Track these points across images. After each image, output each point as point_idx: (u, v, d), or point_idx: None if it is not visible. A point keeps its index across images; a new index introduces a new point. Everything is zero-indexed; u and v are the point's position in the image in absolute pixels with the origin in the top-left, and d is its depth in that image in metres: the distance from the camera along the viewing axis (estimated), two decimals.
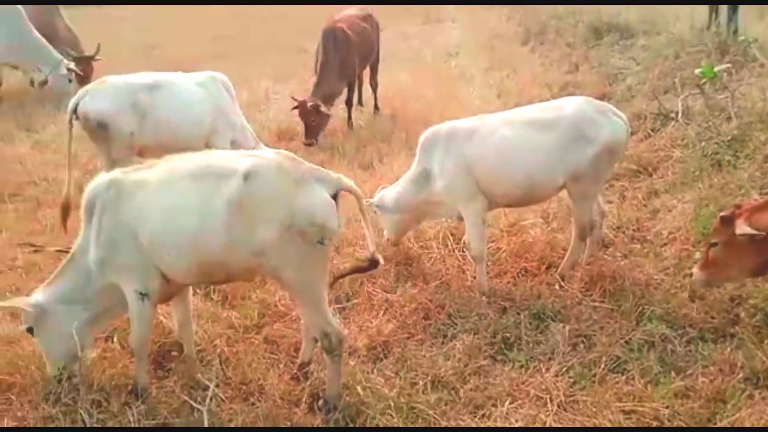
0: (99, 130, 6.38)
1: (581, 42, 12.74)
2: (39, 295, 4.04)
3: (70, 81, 10.23)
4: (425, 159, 5.27)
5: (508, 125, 5.12)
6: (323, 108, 8.64)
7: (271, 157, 3.83)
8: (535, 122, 5.09)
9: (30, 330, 4.06)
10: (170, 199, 3.76)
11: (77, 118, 6.34)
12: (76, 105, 6.32)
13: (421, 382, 4.05)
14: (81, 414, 3.70)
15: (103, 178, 4.00)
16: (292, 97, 8.90)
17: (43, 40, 10.36)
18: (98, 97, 6.36)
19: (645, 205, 6.34)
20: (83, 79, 9.90)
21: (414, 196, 5.37)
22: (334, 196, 3.72)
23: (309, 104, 8.53)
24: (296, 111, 8.79)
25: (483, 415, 3.75)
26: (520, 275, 5.30)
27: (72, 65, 10.47)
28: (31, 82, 10.39)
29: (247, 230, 3.62)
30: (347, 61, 9.26)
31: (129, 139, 6.41)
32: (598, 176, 5.16)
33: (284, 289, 4.16)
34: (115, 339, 4.55)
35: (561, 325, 4.57)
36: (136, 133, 6.39)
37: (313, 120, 8.64)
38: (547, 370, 4.11)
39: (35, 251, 5.83)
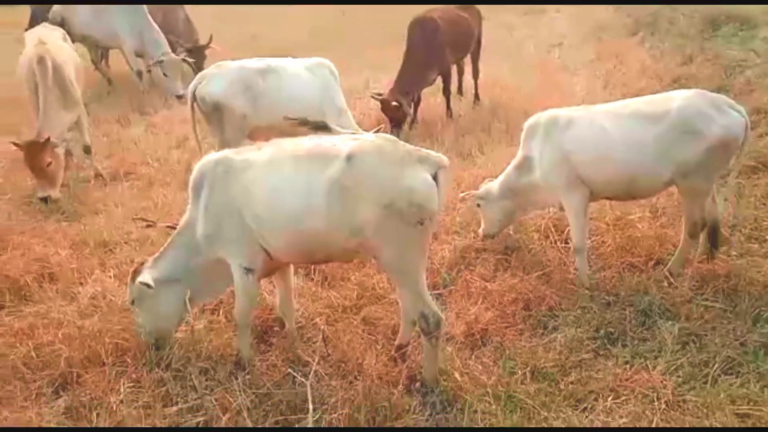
0: (214, 112, 6.76)
1: (696, 32, 12.14)
2: (146, 273, 4.20)
3: (173, 71, 10.77)
4: (527, 146, 5.26)
5: (609, 116, 4.98)
6: (404, 106, 8.62)
7: (372, 140, 3.91)
8: (639, 115, 4.90)
9: (133, 302, 4.31)
10: (275, 179, 3.87)
11: (195, 100, 6.80)
12: (195, 88, 6.78)
13: (520, 372, 4.03)
14: (191, 379, 3.91)
15: (211, 156, 4.17)
16: (373, 96, 8.91)
17: (159, 33, 11.03)
18: (214, 81, 6.79)
19: (764, 204, 6.01)
20: (198, 67, 10.49)
21: (517, 183, 5.36)
22: (435, 177, 3.72)
23: (392, 103, 8.55)
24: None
25: (584, 409, 3.68)
26: (625, 270, 5.15)
27: (184, 56, 11.06)
28: (138, 73, 11.16)
29: (348, 210, 3.70)
30: (435, 51, 9.09)
31: (242, 121, 6.74)
32: (709, 172, 4.90)
33: (383, 269, 4.21)
34: (221, 312, 4.78)
35: (670, 323, 4.42)
36: (248, 115, 6.73)
37: (395, 116, 8.68)
38: (654, 368, 3.98)
39: (148, 226, 6.16)
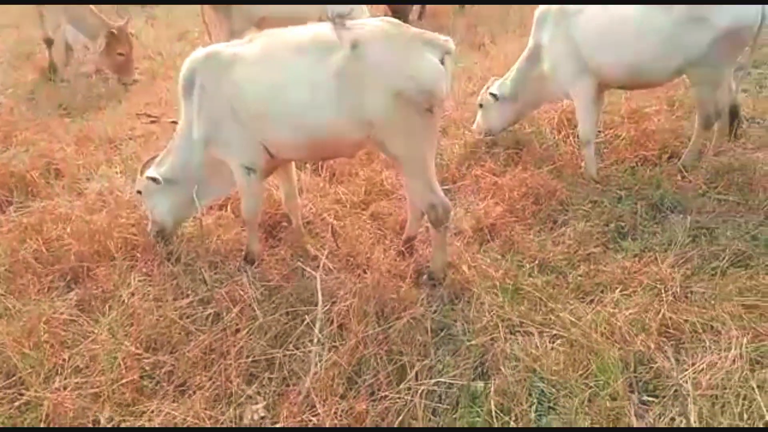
0: None
1: None
2: (153, 169, 4.24)
3: None
4: (537, 34, 5.13)
5: (618, 3, 4.76)
6: None
7: (377, 25, 3.68)
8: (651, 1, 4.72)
9: (139, 192, 4.36)
10: (272, 73, 3.70)
11: None
12: None
13: (528, 265, 4.03)
14: (201, 272, 3.94)
15: (200, 51, 3.98)
16: None
17: None
18: None
19: None
20: None
21: (529, 75, 5.24)
22: (441, 62, 3.56)
23: None
24: None
25: (591, 301, 3.68)
26: (638, 164, 5.08)
27: None
28: None
29: (355, 101, 3.55)
30: None
31: (249, 10, 6.54)
32: (718, 62, 4.67)
33: (392, 160, 4.10)
34: (228, 208, 4.78)
35: (681, 216, 4.40)
36: (257, 2, 6.54)
37: (397, 7, 8.43)
38: (663, 261, 3.96)
39: (152, 122, 6.16)
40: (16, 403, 3.16)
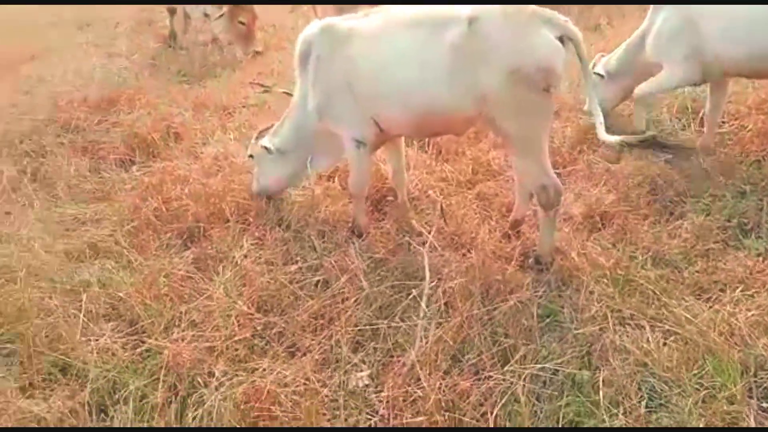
0: None
1: None
2: (267, 139, 4.38)
3: None
4: (651, 14, 4.91)
5: None
6: None
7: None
8: None
9: (251, 156, 4.51)
10: (387, 48, 3.70)
11: None
12: None
13: (641, 257, 3.88)
14: (310, 239, 4.06)
15: (317, 24, 4.03)
16: None
17: None
18: None
19: None
20: None
21: (636, 57, 5.07)
22: (561, 40, 3.48)
23: None
24: None
25: (709, 299, 3.51)
26: (765, 158, 4.74)
27: None
28: None
29: (470, 78, 3.50)
30: None
31: None
32: None
33: (503, 139, 4.02)
34: (336, 180, 4.87)
35: None
36: None
37: None
38: None
39: (264, 91, 6.31)
40: (138, 350, 3.36)
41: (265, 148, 4.37)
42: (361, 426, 2.92)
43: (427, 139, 5.17)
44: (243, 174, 4.85)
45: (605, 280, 3.67)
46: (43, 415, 2.95)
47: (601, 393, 2.91)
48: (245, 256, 3.94)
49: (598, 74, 5.24)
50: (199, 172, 4.92)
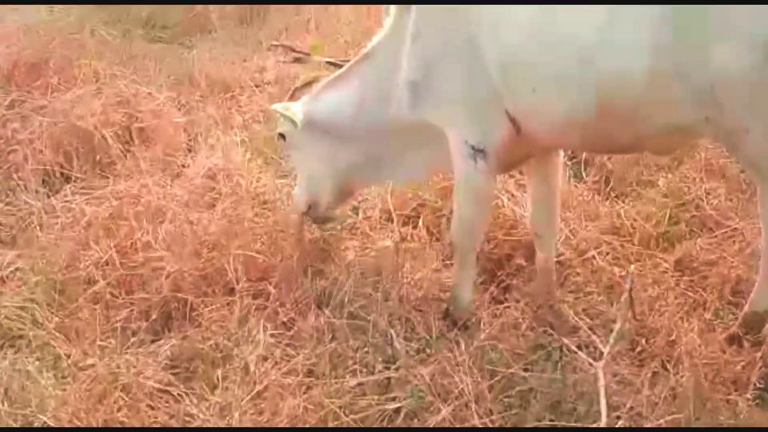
0: None
1: None
2: (304, 103, 4.26)
3: None
4: None
5: None
6: None
7: None
8: None
9: (281, 136, 4.39)
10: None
11: None
12: None
13: None
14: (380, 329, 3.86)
15: None
16: None
17: None
18: None
19: None
20: None
21: None
22: None
23: None
24: None
25: None
26: None
27: None
28: None
29: (692, 52, 3.27)
30: None
31: None
32: None
33: (743, 158, 3.78)
34: (420, 221, 4.50)
35: None
36: None
37: None
38: None
39: (296, 60, 6.32)
40: None
41: (285, 117, 4.17)
42: None
43: (587, 157, 4.94)
44: (260, 204, 4.59)
45: None
46: None
47: None
48: (264, 359, 3.58)
49: None
50: (182, 199, 4.62)
